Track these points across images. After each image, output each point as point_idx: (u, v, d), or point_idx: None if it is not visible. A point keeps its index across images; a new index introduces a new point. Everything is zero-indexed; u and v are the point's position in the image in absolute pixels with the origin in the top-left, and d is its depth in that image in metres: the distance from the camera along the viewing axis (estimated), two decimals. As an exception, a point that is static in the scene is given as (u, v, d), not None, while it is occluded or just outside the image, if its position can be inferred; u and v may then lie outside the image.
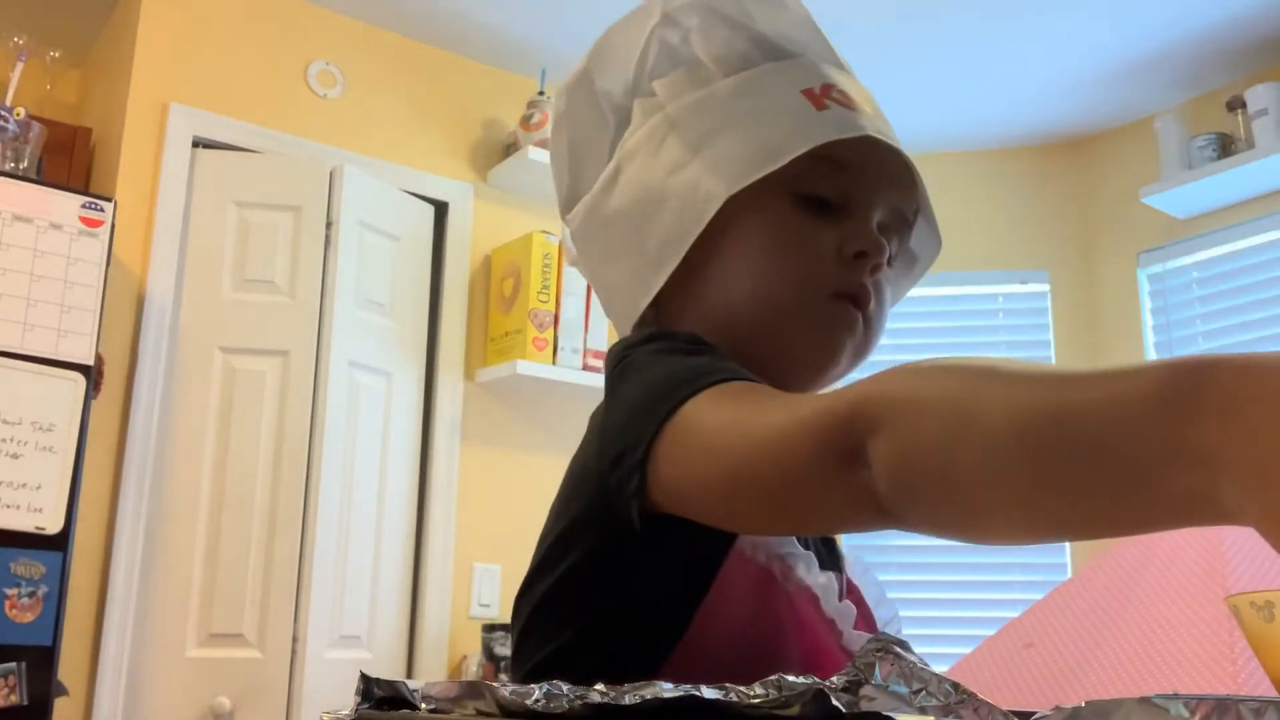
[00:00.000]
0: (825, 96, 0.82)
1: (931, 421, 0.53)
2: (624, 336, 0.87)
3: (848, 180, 0.81)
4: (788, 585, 0.76)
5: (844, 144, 0.80)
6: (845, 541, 3.70)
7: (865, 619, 0.83)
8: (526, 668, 0.78)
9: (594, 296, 3.30)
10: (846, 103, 0.83)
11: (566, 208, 0.94)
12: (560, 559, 0.79)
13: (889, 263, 0.83)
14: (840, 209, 0.81)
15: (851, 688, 0.45)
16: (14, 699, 2.19)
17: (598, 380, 3.87)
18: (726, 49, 0.87)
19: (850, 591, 0.85)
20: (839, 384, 0.80)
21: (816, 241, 0.80)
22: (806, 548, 0.79)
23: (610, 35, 0.93)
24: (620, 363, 0.79)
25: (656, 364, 0.75)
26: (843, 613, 0.78)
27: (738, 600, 0.73)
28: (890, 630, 0.85)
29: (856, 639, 0.78)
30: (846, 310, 0.81)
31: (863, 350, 0.84)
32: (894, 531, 0.60)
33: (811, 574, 0.77)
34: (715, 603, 0.73)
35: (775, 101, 0.83)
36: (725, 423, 0.65)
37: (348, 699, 0.52)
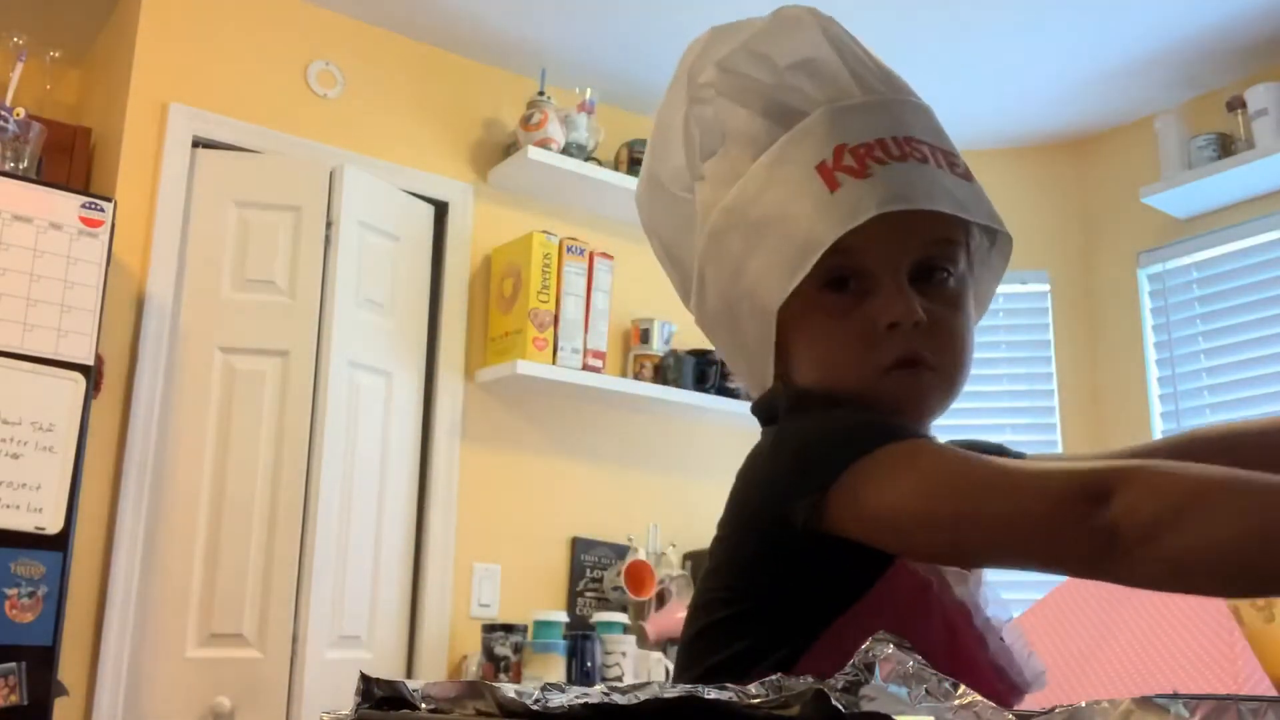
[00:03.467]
0: (837, 168, 0.86)
1: (1171, 486, 0.67)
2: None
3: (863, 257, 0.86)
4: (944, 597, 0.82)
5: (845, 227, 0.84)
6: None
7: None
8: (699, 670, 0.85)
9: (594, 296, 3.30)
10: (857, 168, 0.86)
11: (685, 300, 1.01)
12: (727, 602, 0.86)
13: (950, 284, 0.88)
14: (868, 281, 0.86)
15: (851, 688, 0.45)
16: (14, 699, 2.19)
17: (597, 380, 3.87)
18: (748, 127, 0.91)
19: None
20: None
21: (854, 321, 0.86)
22: None
23: (658, 123, 0.99)
24: (793, 405, 0.88)
25: (840, 412, 0.85)
26: (990, 627, 0.84)
27: (893, 606, 0.79)
28: (1024, 646, 0.89)
29: (1003, 651, 0.84)
30: (904, 376, 0.86)
31: (949, 384, 0.89)
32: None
33: (966, 589, 0.83)
34: (869, 606, 0.79)
35: (795, 191, 0.87)
36: (971, 462, 0.76)
37: (348, 699, 0.52)
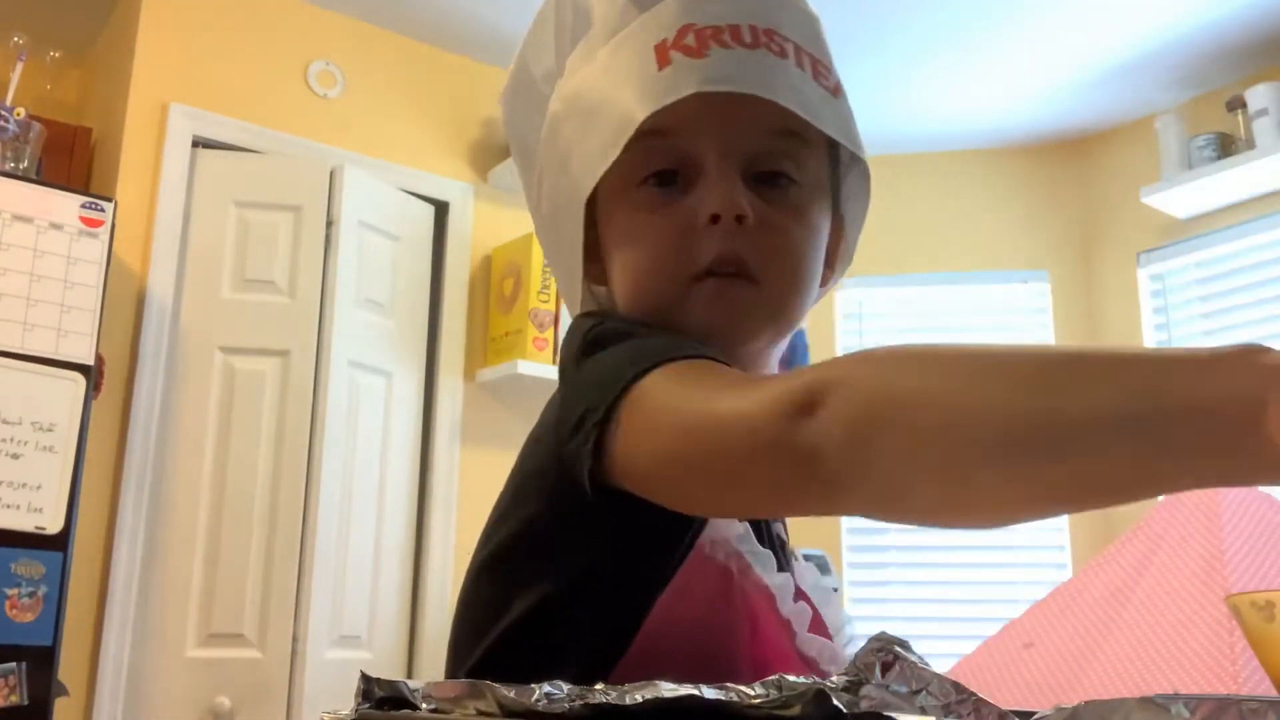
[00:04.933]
0: (675, 46, 0.76)
1: (899, 382, 0.54)
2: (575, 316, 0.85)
3: (686, 141, 0.76)
4: (745, 583, 0.74)
5: (670, 108, 0.74)
6: (839, 542, 3.70)
7: (816, 622, 0.81)
8: (470, 663, 0.75)
9: (594, 296, 3.30)
10: (695, 47, 0.76)
11: (531, 204, 0.91)
12: (504, 524, 0.77)
13: (791, 192, 0.78)
14: (691, 176, 0.76)
15: (852, 688, 0.45)
16: (14, 699, 2.19)
17: (598, 380, 3.83)
18: (609, 10, 0.82)
19: (799, 595, 0.82)
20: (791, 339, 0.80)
21: (672, 216, 0.76)
22: (765, 545, 0.78)
23: (536, 15, 0.89)
24: (583, 338, 0.76)
25: (619, 341, 0.73)
26: (798, 614, 0.77)
27: (695, 598, 0.72)
28: (843, 634, 0.83)
29: (809, 641, 0.77)
30: (719, 284, 0.75)
31: (774, 303, 0.77)
32: (893, 529, 0.59)
33: (769, 573, 0.76)
34: (672, 600, 0.71)
35: (626, 72, 0.77)
36: (684, 398, 0.64)
37: (348, 699, 0.52)
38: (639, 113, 0.74)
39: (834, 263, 0.85)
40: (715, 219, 0.74)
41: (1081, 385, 0.48)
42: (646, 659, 0.70)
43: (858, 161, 0.84)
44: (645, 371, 0.66)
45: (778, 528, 0.85)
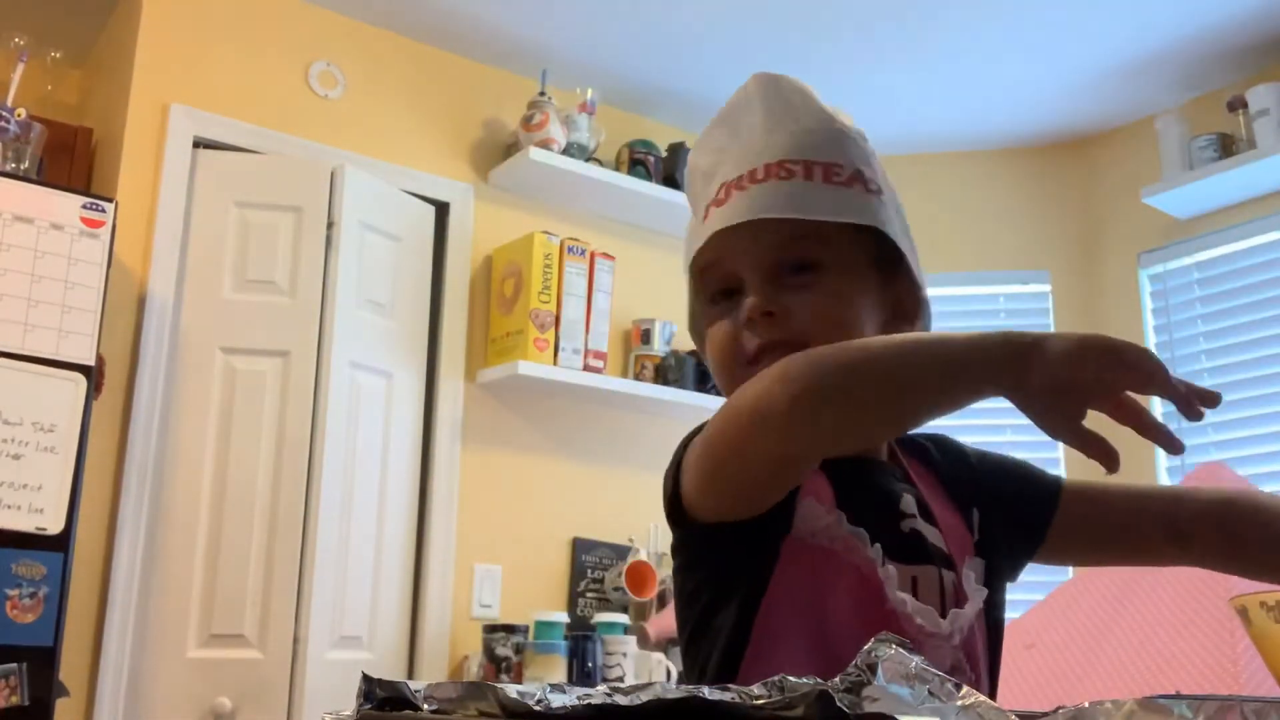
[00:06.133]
0: (713, 203, 1.02)
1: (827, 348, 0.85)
2: None
3: (729, 267, 1.01)
4: (842, 553, 0.92)
5: (712, 246, 1.01)
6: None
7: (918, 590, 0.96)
8: (696, 673, 0.97)
9: (595, 297, 3.30)
10: (722, 199, 1.01)
11: None
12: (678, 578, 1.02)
13: (814, 275, 0.99)
14: (741, 289, 1.00)
15: (854, 688, 0.45)
16: (15, 700, 2.19)
17: (598, 380, 3.86)
18: (703, 184, 1.07)
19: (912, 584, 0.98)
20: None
21: (724, 325, 1.01)
22: (896, 539, 0.95)
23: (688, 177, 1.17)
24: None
25: None
26: (891, 577, 0.92)
27: (803, 578, 0.91)
28: (956, 614, 0.96)
29: (903, 600, 0.92)
30: (766, 364, 0.92)
31: None
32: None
33: (864, 545, 0.93)
34: (781, 584, 0.91)
35: (690, 232, 1.07)
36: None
37: (349, 700, 0.52)
38: (689, 257, 1.04)
39: (910, 315, 1.06)
40: (747, 323, 0.98)
41: (921, 347, 0.84)
42: (770, 648, 0.90)
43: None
44: (701, 428, 0.93)
45: (918, 525, 0.99)
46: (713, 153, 1.07)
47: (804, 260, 0.98)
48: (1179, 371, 3.57)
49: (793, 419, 0.81)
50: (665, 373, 3.42)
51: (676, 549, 0.99)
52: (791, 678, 0.45)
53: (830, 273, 0.98)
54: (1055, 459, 3.53)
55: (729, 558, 0.93)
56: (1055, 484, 1.07)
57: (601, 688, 0.48)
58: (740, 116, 1.06)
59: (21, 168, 2.60)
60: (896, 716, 0.43)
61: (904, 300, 1.06)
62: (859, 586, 0.91)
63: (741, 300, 0.99)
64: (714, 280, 1.02)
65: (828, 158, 1.00)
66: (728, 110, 1.08)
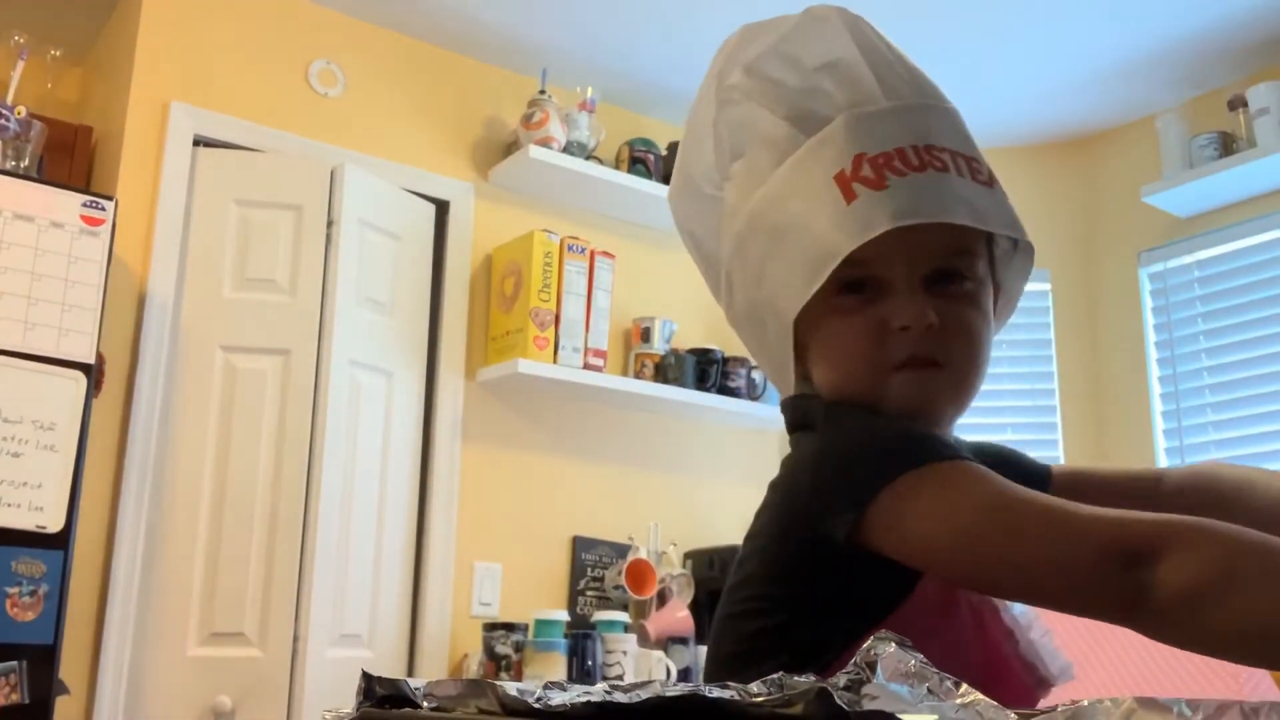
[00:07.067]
0: (855, 178, 0.88)
1: (1217, 558, 0.69)
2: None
3: (878, 268, 0.89)
4: (971, 596, 0.85)
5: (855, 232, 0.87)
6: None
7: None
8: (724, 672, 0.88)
9: (595, 295, 3.30)
10: (874, 179, 0.88)
11: (716, 297, 1.03)
12: (764, 571, 0.89)
13: (965, 287, 0.90)
14: (883, 286, 0.89)
15: (854, 686, 0.45)
16: (15, 698, 2.19)
17: (598, 379, 3.86)
18: (772, 131, 0.93)
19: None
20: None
21: (867, 320, 0.89)
22: None
23: (689, 122, 1.02)
24: (825, 412, 0.91)
25: (872, 419, 0.88)
26: (1017, 623, 0.88)
27: (922, 609, 0.83)
28: (1044, 638, 0.92)
29: (1030, 648, 0.88)
30: (914, 375, 0.88)
31: (960, 385, 0.91)
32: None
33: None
34: (901, 614, 0.82)
35: (813, 201, 0.89)
36: (996, 500, 0.78)
37: (349, 698, 0.52)
38: (838, 247, 0.87)
39: (1000, 315, 0.98)
40: (903, 329, 0.88)
41: None
42: None
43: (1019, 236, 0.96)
44: (923, 461, 0.80)
45: None
46: (805, 75, 0.93)
47: (956, 270, 0.91)
48: (1179, 371, 3.57)
49: (1159, 622, 0.71)
50: (665, 371, 3.42)
51: (780, 559, 0.87)
52: (791, 675, 0.45)
53: (972, 284, 0.92)
54: (1056, 458, 3.53)
55: (861, 582, 0.83)
56: (1043, 470, 1.06)
57: (601, 686, 0.48)
58: (826, 50, 0.94)
59: (21, 166, 2.60)
60: (895, 714, 0.43)
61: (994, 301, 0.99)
62: (978, 633, 0.86)
63: (884, 300, 0.89)
64: (853, 269, 0.88)
65: (965, 148, 0.93)
66: (794, 35, 0.95)
